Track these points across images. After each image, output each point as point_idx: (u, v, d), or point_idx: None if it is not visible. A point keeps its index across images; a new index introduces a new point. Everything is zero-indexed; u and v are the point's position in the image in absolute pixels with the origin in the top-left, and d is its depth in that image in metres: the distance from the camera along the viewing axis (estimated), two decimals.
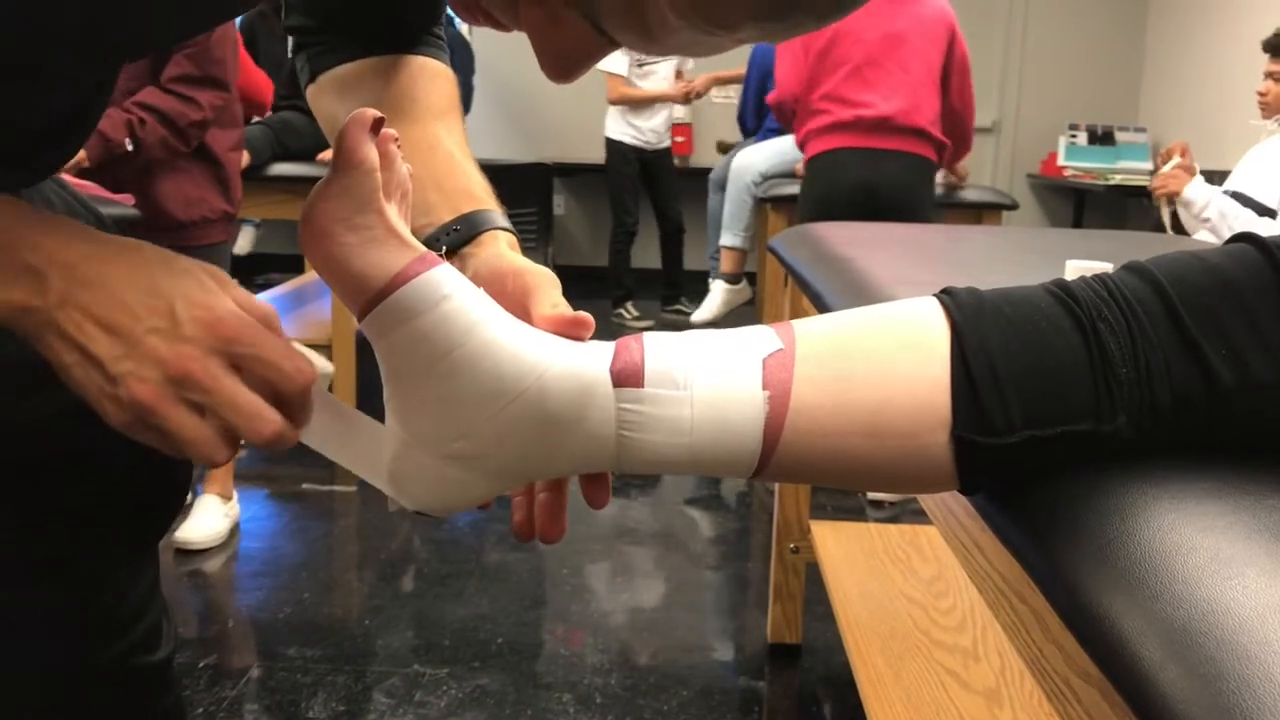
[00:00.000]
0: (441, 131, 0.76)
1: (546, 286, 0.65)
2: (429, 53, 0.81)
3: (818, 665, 2.14)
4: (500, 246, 0.70)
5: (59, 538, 0.67)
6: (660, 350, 0.59)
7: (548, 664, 2.08)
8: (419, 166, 0.71)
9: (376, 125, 0.57)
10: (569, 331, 0.62)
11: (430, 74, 0.80)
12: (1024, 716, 1.49)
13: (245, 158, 2.84)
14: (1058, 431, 0.57)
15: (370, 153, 0.56)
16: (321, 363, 0.58)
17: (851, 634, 1.73)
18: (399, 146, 0.60)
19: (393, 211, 0.58)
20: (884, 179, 2.93)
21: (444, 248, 0.69)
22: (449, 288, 0.58)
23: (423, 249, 0.59)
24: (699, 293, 5.59)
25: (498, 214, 0.73)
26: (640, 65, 5.11)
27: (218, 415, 0.52)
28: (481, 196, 0.73)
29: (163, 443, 0.53)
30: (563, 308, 0.63)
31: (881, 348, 0.60)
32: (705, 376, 0.58)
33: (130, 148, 2.33)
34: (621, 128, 5.17)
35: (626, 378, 0.58)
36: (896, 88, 2.92)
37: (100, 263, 0.52)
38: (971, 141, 3.22)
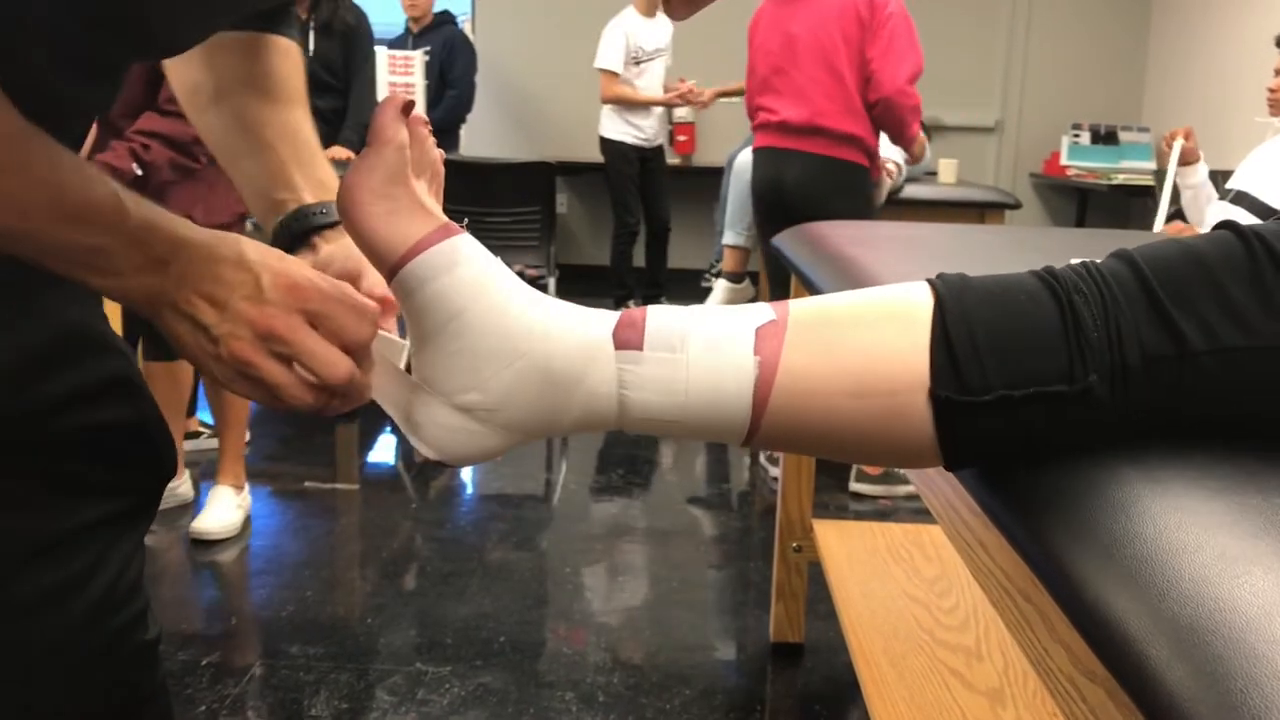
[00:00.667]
0: (301, 117, 0.85)
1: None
2: (285, 32, 0.87)
3: (820, 665, 2.14)
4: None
5: (58, 515, 0.70)
6: (661, 318, 0.64)
7: (550, 662, 2.09)
8: (285, 148, 0.82)
9: (407, 108, 0.63)
10: (390, 307, 0.71)
11: (291, 56, 0.87)
12: (1028, 716, 1.49)
13: None
14: (1030, 391, 0.60)
15: (400, 131, 0.63)
16: (398, 340, 0.70)
17: (854, 633, 1.72)
18: (428, 129, 0.66)
19: (421, 187, 0.64)
20: (787, 177, 3.02)
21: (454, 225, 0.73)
22: (464, 254, 0.63)
23: (444, 219, 0.64)
24: (684, 293, 5.58)
25: None
26: (637, 64, 5.09)
27: (300, 363, 0.62)
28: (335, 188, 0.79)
29: (258, 391, 0.63)
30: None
31: (868, 317, 0.64)
32: (701, 342, 0.63)
33: (139, 173, 2.36)
34: (621, 128, 5.15)
35: (627, 341, 0.63)
36: (798, 91, 2.98)
37: (205, 249, 0.62)
38: (901, 112, 2.88)
